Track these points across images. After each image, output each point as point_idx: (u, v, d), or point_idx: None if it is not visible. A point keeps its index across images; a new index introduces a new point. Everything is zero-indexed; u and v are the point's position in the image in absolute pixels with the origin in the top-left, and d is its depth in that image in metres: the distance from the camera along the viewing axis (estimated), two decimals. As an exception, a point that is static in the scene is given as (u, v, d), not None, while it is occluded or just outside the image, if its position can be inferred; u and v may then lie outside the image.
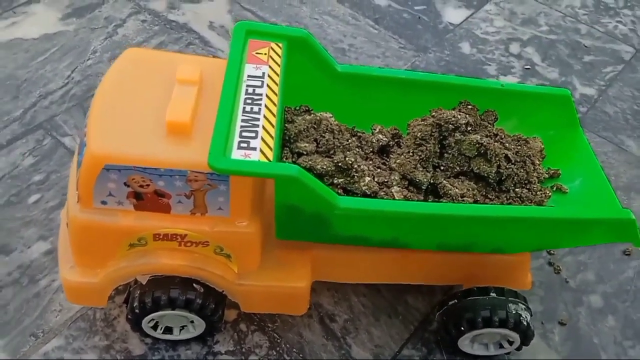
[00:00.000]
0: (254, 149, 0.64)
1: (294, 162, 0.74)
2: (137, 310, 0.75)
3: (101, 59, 1.21)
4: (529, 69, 1.32)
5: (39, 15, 1.30)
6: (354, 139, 0.79)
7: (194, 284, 0.75)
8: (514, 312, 0.76)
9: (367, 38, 1.35)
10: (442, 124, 0.75)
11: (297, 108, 0.82)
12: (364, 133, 0.82)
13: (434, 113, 0.79)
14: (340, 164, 0.71)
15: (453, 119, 0.75)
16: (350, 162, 0.71)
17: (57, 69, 1.19)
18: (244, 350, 0.84)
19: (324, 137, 0.75)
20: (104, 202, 0.68)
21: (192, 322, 0.80)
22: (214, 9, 1.37)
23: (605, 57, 1.37)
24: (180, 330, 0.82)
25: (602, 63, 1.35)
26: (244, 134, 0.65)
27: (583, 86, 1.30)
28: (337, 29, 1.36)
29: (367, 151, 0.79)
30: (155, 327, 0.80)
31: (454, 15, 1.44)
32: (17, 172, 1.01)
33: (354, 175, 0.72)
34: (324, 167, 0.72)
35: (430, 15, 1.43)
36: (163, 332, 0.81)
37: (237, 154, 0.63)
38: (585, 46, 1.39)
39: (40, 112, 1.11)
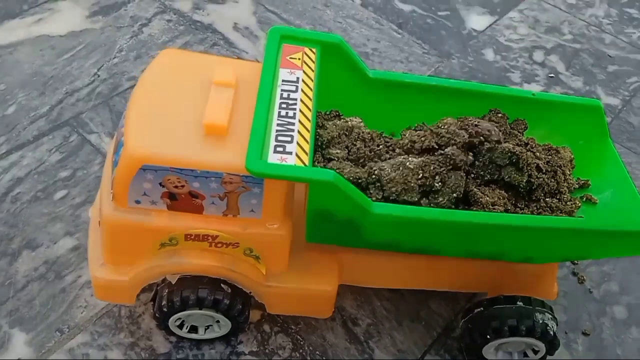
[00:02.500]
0: (290, 153, 0.64)
1: (325, 167, 0.74)
2: (164, 309, 0.76)
3: (127, 58, 1.22)
4: (552, 77, 1.32)
5: (65, 12, 1.31)
6: (382, 146, 0.79)
7: (222, 285, 0.75)
8: (540, 321, 0.76)
9: (390, 42, 1.35)
10: (475, 138, 0.75)
11: (328, 112, 0.82)
12: (392, 138, 0.83)
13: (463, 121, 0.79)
14: (372, 175, 0.71)
15: (487, 132, 0.75)
16: (377, 172, 0.71)
17: (83, 66, 1.20)
18: (267, 351, 0.84)
19: (355, 145, 0.76)
20: (137, 202, 0.68)
21: (217, 322, 0.80)
22: (238, 10, 1.37)
23: (629, 68, 1.36)
24: (206, 329, 0.82)
25: (627, 73, 1.35)
26: (280, 138, 0.65)
27: (607, 96, 1.29)
28: (361, 32, 1.36)
29: (394, 155, 0.79)
30: (180, 326, 0.81)
31: (477, 21, 1.44)
32: (44, 168, 1.02)
33: (382, 181, 0.72)
34: (351, 174, 0.72)
35: (454, 21, 1.43)
36: (188, 331, 0.82)
37: (273, 158, 0.63)
38: (610, 56, 1.38)
39: (67, 109, 1.12)
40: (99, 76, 1.18)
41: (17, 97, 1.13)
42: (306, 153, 0.65)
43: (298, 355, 0.84)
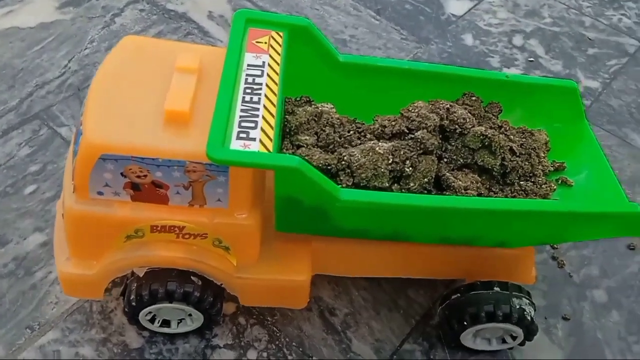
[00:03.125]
0: (254, 139, 0.62)
1: (293, 153, 0.72)
2: (134, 303, 0.74)
3: (98, 49, 1.20)
4: (532, 61, 1.30)
5: (36, 4, 1.28)
6: (352, 132, 0.77)
7: (192, 277, 0.74)
8: (517, 306, 0.75)
9: (368, 29, 1.33)
10: (446, 123, 0.74)
11: (298, 99, 0.80)
12: (363, 124, 0.81)
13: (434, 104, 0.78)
14: (341, 161, 0.70)
15: (462, 120, 0.73)
16: (347, 158, 0.70)
17: (54, 58, 1.17)
18: (242, 343, 0.83)
19: (324, 130, 0.74)
20: (100, 193, 0.66)
21: (190, 315, 0.79)
22: (213, -2, 1.35)
23: (609, 50, 1.35)
24: (178, 323, 0.80)
25: (607, 56, 1.34)
26: (243, 124, 0.63)
27: (587, 79, 1.28)
28: (339, 19, 1.34)
29: (365, 140, 0.78)
30: (152, 320, 0.79)
31: (456, 6, 1.42)
32: (13, 163, 1.00)
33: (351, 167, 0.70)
34: (321, 161, 0.71)
35: (432, 7, 1.41)
36: (160, 325, 0.80)
37: (236, 145, 0.61)
38: (590, 39, 1.37)
39: (37, 101, 1.09)
40: (69, 68, 1.15)
41: (-15, 91, 1.10)
42: (270, 139, 0.63)
43: (274, 347, 0.83)
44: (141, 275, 0.73)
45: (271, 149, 0.62)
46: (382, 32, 1.33)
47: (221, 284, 0.76)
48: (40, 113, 1.07)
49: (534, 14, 1.42)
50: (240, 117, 0.64)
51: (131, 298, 0.74)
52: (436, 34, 1.34)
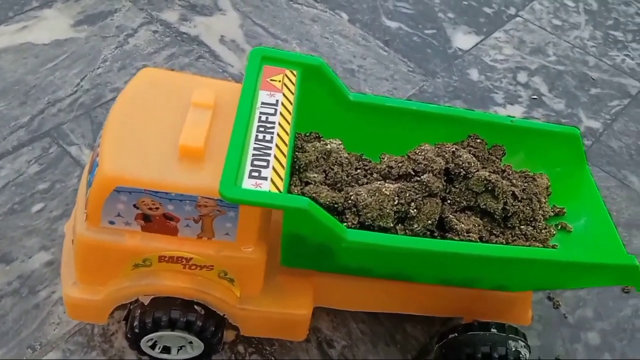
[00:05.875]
0: (265, 178, 0.64)
1: (302, 190, 0.74)
2: (136, 330, 0.75)
3: (111, 69, 1.22)
4: (535, 99, 1.33)
5: (51, 21, 1.30)
6: (360, 170, 0.79)
7: (195, 306, 0.75)
8: (513, 349, 0.76)
9: (376, 60, 1.35)
10: (451, 167, 0.76)
11: (308, 134, 0.82)
12: (371, 162, 0.83)
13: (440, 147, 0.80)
14: (348, 200, 0.71)
15: (467, 164, 0.76)
16: (354, 197, 0.72)
17: (67, 76, 1.19)
18: (241, 372, 0.84)
19: (332, 169, 0.76)
20: (111, 222, 0.68)
21: (190, 342, 0.80)
22: (225, 23, 1.37)
23: (611, 91, 1.38)
24: (178, 350, 0.81)
25: (609, 96, 1.36)
26: (256, 162, 0.65)
27: (588, 119, 1.31)
28: (347, 49, 1.36)
29: (372, 179, 0.79)
30: (153, 347, 0.80)
31: (463, 41, 1.45)
32: (22, 180, 1.01)
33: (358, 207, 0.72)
34: (328, 199, 0.72)
35: (440, 40, 1.44)
36: (161, 352, 0.81)
37: (248, 184, 0.63)
38: (593, 79, 1.40)
39: (48, 119, 1.11)
40: (81, 87, 1.17)
41: (-3, 105, 1.12)
42: (281, 178, 0.64)
43: (272, 376, 0.84)
44: (146, 303, 0.74)
45: (282, 189, 0.64)
46: (389, 64, 1.35)
47: (223, 314, 0.77)
48: (50, 131, 1.09)
49: (539, 52, 1.45)
50: (253, 155, 0.65)
51: (134, 324, 0.75)
52: (442, 67, 1.37)
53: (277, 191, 0.63)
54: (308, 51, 1.33)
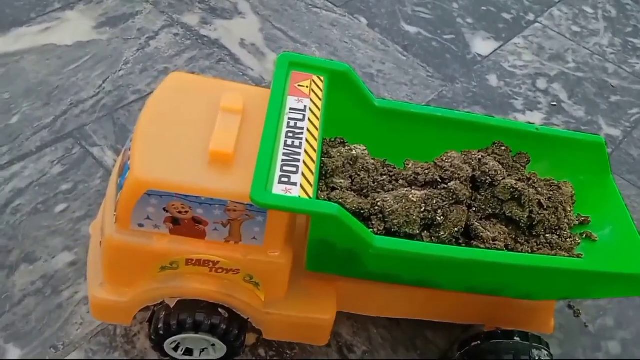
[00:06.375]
0: (295, 184, 0.64)
1: (328, 196, 0.74)
2: (161, 332, 0.76)
3: (133, 71, 1.22)
4: (555, 105, 1.33)
5: (73, 22, 1.31)
6: (385, 177, 0.79)
7: (219, 309, 0.75)
8: (537, 358, 0.76)
9: (395, 65, 1.35)
10: (478, 174, 0.76)
11: (333, 140, 0.82)
12: (395, 168, 0.83)
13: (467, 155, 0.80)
14: (374, 206, 0.72)
15: (493, 172, 0.75)
16: (380, 204, 0.72)
17: (89, 77, 1.20)
18: (262, 375, 0.84)
19: (359, 175, 0.76)
20: (141, 225, 0.68)
21: (213, 345, 0.80)
22: (245, 26, 1.38)
23: (631, 98, 1.37)
24: (201, 352, 0.82)
25: (629, 104, 1.36)
26: (285, 168, 0.65)
27: (608, 126, 1.30)
28: (366, 53, 1.37)
29: (397, 186, 0.80)
30: (176, 349, 0.81)
31: (482, 46, 1.45)
32: (45, 180, 1.02)
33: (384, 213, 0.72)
34: (354, 205, 0.73)
35: (458, 45, 1.44)
36: (183, 354, 0.81)
37: (278, 189, 0.63)
38: (612, 86, 1.39)
39: (71, 120, 1.12)
40: (104, 88, 1.18)
41: (21, 106, 1.13)
42: (311, 184, 0.65)
43: (293, 380, 0.84)
44: (171, 305, 0.75)
45: (311, 194, 0.64)
46: (408, 69, 1.35)
47: (247, 318, 0.77)
48: (73, 132, 1.10)
49: (559, 58, 1.45)
50: (283, 161, 0.66)
51: (159, 326, 0.75)
52: (461, 72, 1.37)
53: (306, 197, 0.64)
54: (327, 55, 1.34)
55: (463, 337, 0.84)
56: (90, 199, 1.00)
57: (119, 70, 1.22)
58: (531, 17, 1.56)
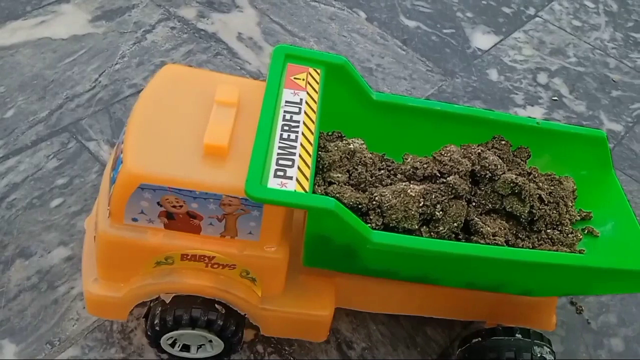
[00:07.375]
0: (290, 178, 0.63)
1: (325, 190, 0.73)
2: (157, 328, 0.75)
3: (129, 64, 1.21)
4: (556, 100, 1.31)
5: (69, 16, 1.30)
6: (383, 171, 0.78)
7: (216, 305, 0.74)
8: (538, 355, 0.75)
9: (394, 59, 1.34)
10: (477, 169, 0.75)
11: (330, 134, 0.81)
12: (394, 162, 0.82)
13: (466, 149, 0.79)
14: (372, 201, 0.70)
15: (493, 167, 0.74)
16: (378, 198, 0.71)
17: (85, 71, 1.18)
18: (259, 372, 0.83)
19: (356, 169, 0.75)
20: (134, 219, 0.67)
21: (210, 341, 0.79)
22: (243, 20, 1.36)
23: (633, 93, 1.36)
24: (198, 349, 0.81)
25: (630, 99, 1.34)
26: (281, 162, 0.64)
27: (610, 121, 1.29)
28: (365, 47, 1.35)
29: (395, 180, 0.78)
30: (172, 345, 0.80)
31: (482, 40, 1.43)
32: (41, 175, 1.01)
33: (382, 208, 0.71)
34: (352, 199, 0.71)
35: (458, 40, 1.42)
36: (180, 350, 0.80)
37: (273, 183, 0.62)
38: (614, 81, 1.38)
39: (66, 114, 1.11)
40: (100, 82, 1.17)
41: (16, 100, 1.12)
42: (307, 178, 0.64)
43: (290, 377, 0.83)
44: (167, 301, 0.74)
45: (307, 188, 0.63)
46: (407, 63, 1.34)
47: (244, 314, 0.76)
48: (69, 126, 1.09)
49: (559, 53, 1.43)
50: (278, 154, 0.65)
51: (155, 322, 0.74)
52: (461, 67, 1.36)
53: (302, 191, 0.62)
54: (326, 49, 1.32)
55: (464, 334, 0.83)
56: (86, 194, 0.99)
57: (115, 64, 1.21)
58: (532, 11, 1.55)
